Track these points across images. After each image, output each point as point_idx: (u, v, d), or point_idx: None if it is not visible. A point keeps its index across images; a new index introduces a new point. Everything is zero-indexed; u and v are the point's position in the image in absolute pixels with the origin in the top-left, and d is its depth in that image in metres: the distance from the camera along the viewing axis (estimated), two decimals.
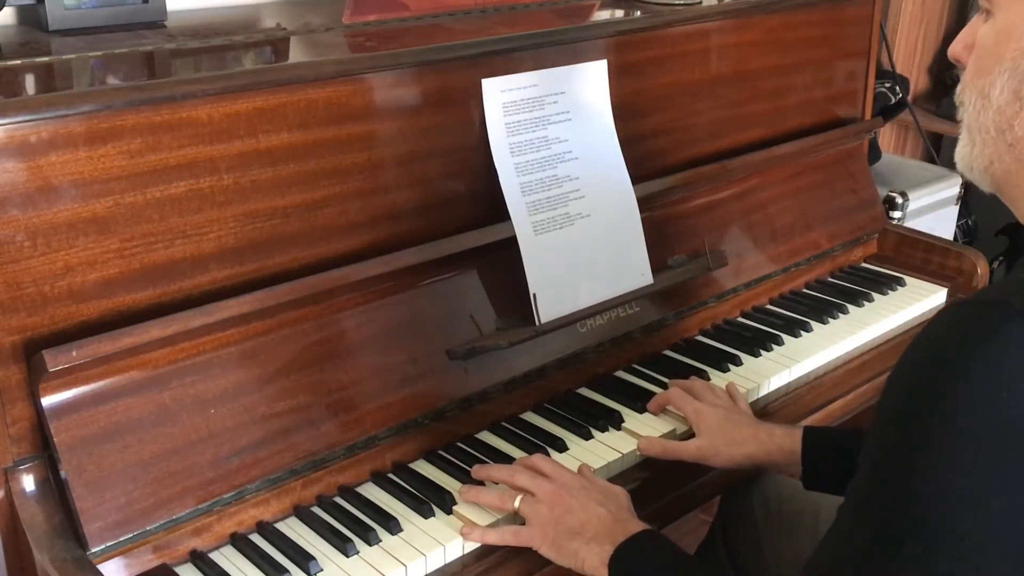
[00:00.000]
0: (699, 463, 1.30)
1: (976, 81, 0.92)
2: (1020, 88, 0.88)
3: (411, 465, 1.29)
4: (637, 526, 1.11)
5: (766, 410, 1.47)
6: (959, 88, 0.95)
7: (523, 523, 1.16)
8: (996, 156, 0.92)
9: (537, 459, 1.23)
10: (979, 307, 0.81)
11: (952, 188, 2.49)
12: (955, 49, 0.97)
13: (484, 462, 1.27)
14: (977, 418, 0.77)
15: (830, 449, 1.26)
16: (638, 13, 1.62)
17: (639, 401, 1.42)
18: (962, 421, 0.78)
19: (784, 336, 1.63)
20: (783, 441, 1.30)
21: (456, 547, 1.16)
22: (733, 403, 1.40)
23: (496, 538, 1.16)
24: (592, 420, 1.38)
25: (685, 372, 1.49)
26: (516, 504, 1.17)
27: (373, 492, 1.24)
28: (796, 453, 1.28)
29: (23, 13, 1.41)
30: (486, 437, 1.35)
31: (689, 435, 1.35)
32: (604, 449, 1.33)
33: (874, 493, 0.84)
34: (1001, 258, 2.76)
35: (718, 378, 1.50)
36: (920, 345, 0.84)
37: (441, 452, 1.31)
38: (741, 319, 1.71)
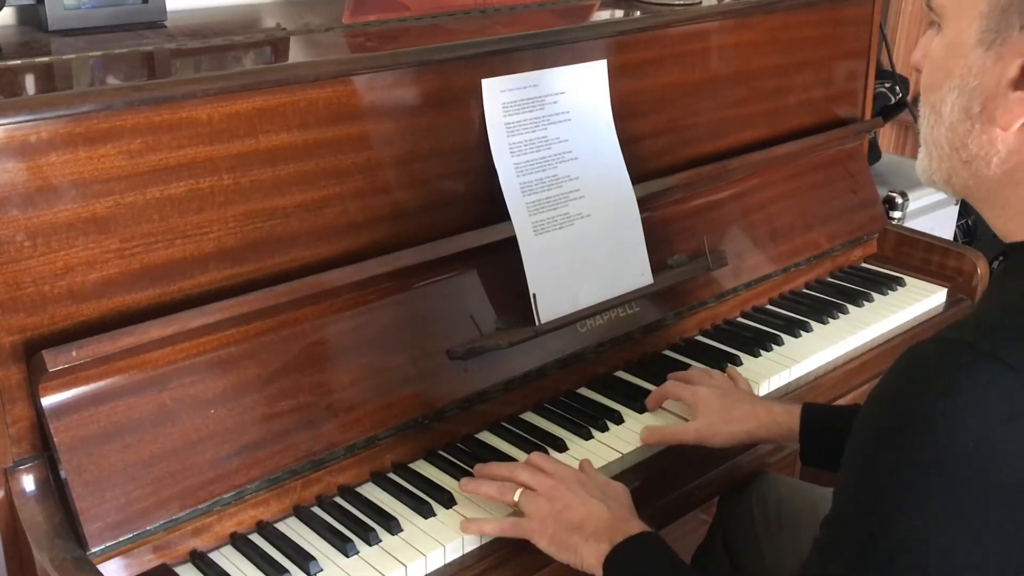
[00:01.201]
0: (700, 445, 1.31)
1: (928, 95, 0.91)
2: (969, 106, 0.86)
3: (411, 465, 1.29)
4: (636, 527, 1.11)
5: None
6: (920, 102, 0.93)
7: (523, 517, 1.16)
8: (953, 171, 0.90)
9: (536, 457, 1.23)
10: (942, 349, 0.80)
11: None
12: (916, 58, 0.95)
13: (484, 462, 1.27)
14: (943, 466, 0.76)
15: (828, 427, 1.26)
16: (638, 13, 1.62)
17: (639, 401, 1.42)
18: (928, 469, 0.77)
19: (784, 336, 1.63)
20: (782, 418, 1.30)
21: (456, 547, 1.16)
22: (732, 384, 1.40)
23: (494, 529, 1.16)
24: (592, 420, 1.38)
25: None
26: (516, 497, 1.16)
27: (373, 492, 1.24)
28: (795, 430, 1.29)
29: (23, 13, 1.41)
30: (486, 437, 1.35)
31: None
32: (604, 449, 1.33)
33: (845, 533, 0.84)
34: (1001, 258, 2.76)
35: None
36: (886, 389, 0.83)
37: (441, 452, 1.31)
38: (741, 319, 1.71)
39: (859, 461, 0.84)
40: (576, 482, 1.17)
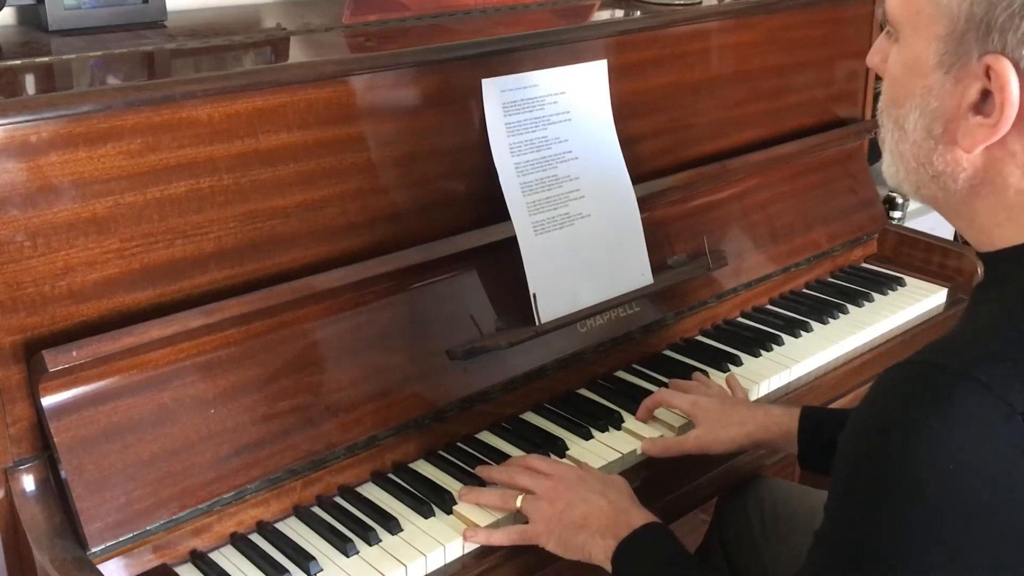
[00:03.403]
0: (702, 453, 1.31)
1: (891, 110, 0.90)
2: (932, 126, 0.85)
3: (411, 465, 1.29)
4: (639, 518, 1.11)
5: None
6: (879, 108, 0.92)
7: (525, 522, 1.17)
8: (921, 183, 0.90)
9: (533, 459, 1.23)
10: (917, 372, 0.79)
11: None
12: (873, 60, 0.93)
13: (484, 462, 1.28)
14: (923, 488, 0.76)
15: (827, 430, 1.26)
16: (638, 13, 1.62)
17: (639, 401, 1.41)
18: (909, 492, 0.77)
19: (784, 336, 1.63)
20: (781, 420, 1.30)
21: (456, 547, 1.16)
22: (730, 392, 1.41)
23: (503, 538, 1.16)
24: (592, 420, 1.38)
25: (685, 372, 1.49)
26: (518, 504, 1.17)
27: (373, 492, 1.24)
28: (793, 432, 1.29)
29: (23, 13, 1.41)
30: (486, 437, 1.35)
31: (689, 430, 1.35)
32: (604, 449, 1.33)
33: (834, 551, 0.84)
34: None
35: (718, 378, 1.49)
36: (867, 412, 0.82)
37: (441, 452, 1.31)
38: (741, 319, 1.71)
39: (843, 484, 0.84)
40: (575, 479, 1.17)
